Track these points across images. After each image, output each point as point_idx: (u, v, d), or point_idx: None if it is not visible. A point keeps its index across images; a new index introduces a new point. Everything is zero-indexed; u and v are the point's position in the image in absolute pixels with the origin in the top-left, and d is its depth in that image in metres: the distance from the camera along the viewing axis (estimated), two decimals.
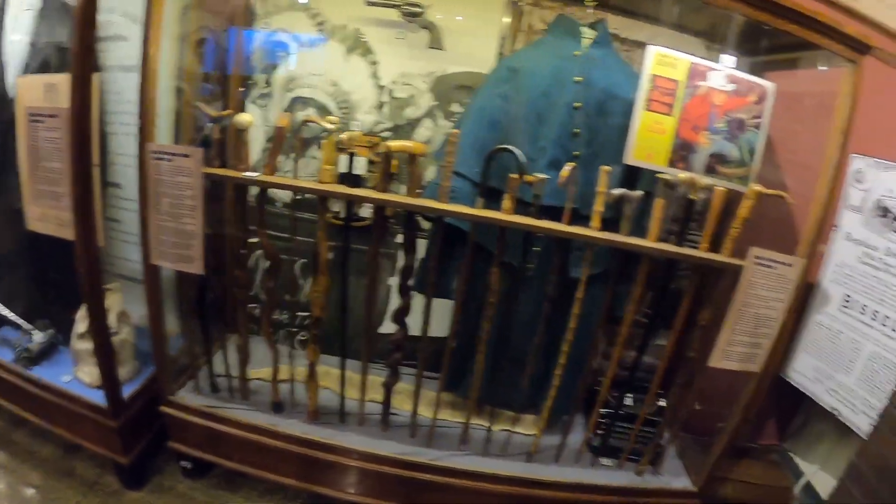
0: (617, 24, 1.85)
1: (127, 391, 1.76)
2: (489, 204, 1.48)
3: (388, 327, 1.70)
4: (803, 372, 2.09)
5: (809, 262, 1.63)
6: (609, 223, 1.51)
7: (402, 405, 1.80)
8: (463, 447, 1.74)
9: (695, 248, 1.55)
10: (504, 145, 1.43)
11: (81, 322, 1.75)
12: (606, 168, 1.44)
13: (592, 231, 1.45)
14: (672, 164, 1.55)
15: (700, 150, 1.57)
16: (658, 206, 1.47)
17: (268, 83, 1.96)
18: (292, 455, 1.70)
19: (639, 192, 1.46)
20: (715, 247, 1.56)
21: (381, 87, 1.93)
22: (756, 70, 1.89)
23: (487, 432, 1.73)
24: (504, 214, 1.42)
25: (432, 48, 1.86)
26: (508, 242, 1.50)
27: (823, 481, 2.12)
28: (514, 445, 1.76)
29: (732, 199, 1.63)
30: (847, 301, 1.98)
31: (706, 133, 1.57)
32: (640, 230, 1.53)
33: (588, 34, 1.66)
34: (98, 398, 1.70)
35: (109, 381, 1.69)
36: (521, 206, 1.48)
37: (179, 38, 1.85)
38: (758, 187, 1.52)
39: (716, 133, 1.57)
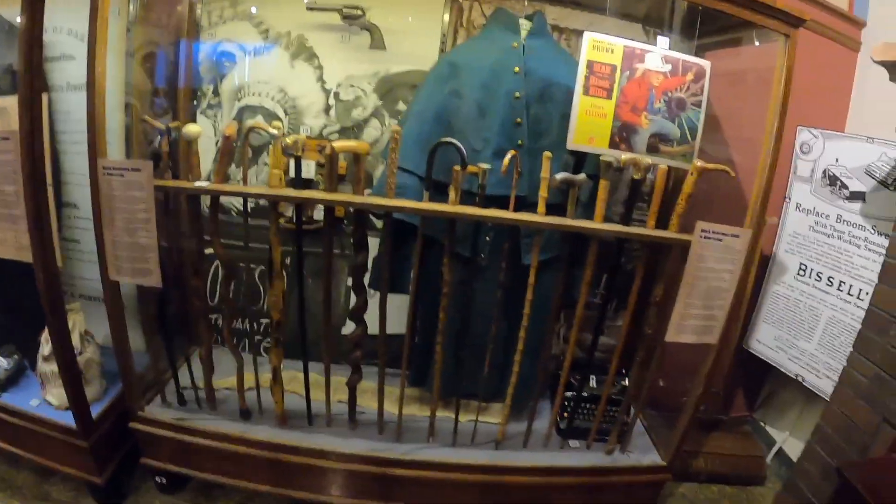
0: (555, 14, 1.89)
1: (96, 410, 1.75)
2: (438, 197, 1.50)
3: (350, 328, 1.71)
4: (765, 342, 2.13)
5: (758, 233, 1.66)
6: (558, 208, 1.54)
7: (369, 403, 1.81)
8: (431, 440, 1.76)
9: (643, 226, 1.58)
10: (447, 139, 1.45)
11: (46, 344, 1.75)
12: (548, 154, 1.47)
13: (538, 216, 1.48)
14: (614, 145, 1.58)
15: (641, 130, 1.60)
16: (602, 187, 1.50)
17: (216, 94, 1.97)
18: (264, 461, 1.71)
19: (582, 176, 1.49)
20: (664, 224, 1.59)
21: (328, 91, 1.95)
22: (700, 51, 1.93)
23: (455, 424, 1.75)
24: (450, 206, 1.45)
25: (374, 49, 1.89)
26: (458, 234, 1.52)
27: (795, 447, 2.16)
28: (483, 434, 1.78)
29: (681, 178, 1.67)
30: (802, 269, 2.03)
31: (646, 114, 1.60)
32: (592, 213, 1.56)
33: (525, 25, 1.69)
34: (68, 419, 1.69)
35: (77, 402, 1.68)
36: (470, 198, 1.51)
37: (127, 54, 1.87)
38: (700, 163, 1.55)
39: (655, 113, 1.61)
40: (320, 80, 1.94)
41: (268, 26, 1.92)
